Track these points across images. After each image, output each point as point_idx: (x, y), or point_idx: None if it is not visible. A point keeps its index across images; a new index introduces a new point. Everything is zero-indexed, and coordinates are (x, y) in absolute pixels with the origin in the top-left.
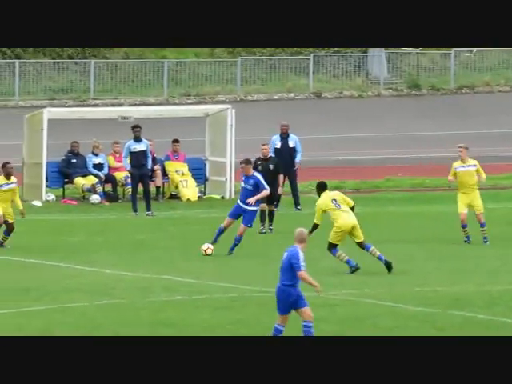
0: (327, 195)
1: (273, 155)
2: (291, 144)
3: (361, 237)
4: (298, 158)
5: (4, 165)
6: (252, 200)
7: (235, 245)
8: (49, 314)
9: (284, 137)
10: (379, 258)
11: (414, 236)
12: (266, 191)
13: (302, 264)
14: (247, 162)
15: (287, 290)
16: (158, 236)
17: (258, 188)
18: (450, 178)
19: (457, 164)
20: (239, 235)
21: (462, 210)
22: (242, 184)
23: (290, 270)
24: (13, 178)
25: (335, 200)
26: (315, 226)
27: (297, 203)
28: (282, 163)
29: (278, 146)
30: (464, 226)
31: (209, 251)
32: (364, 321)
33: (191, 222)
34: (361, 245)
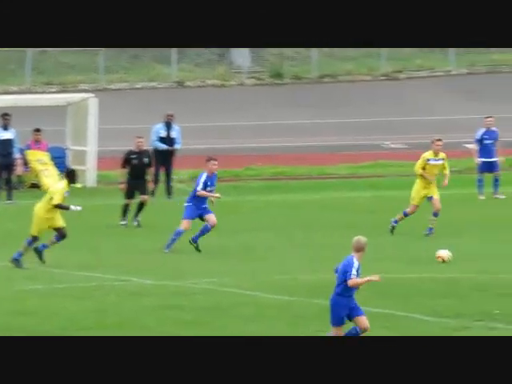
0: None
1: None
2: (173, 134)
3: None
4: (176, 146)
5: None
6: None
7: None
8: None
9: (169, 126)
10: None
11: (275, 224)
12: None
13: (354, 273)
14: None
15: (340, 300)
16: (21, 225)
17: None
18: (421, 170)
19: (429, 156)
20: (212, 226)
21: (418, 202)
22: (209, 188)
23: (344, 279)
24: None
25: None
26: None
27: (169, 192)
28: (162, 153)
29: (164, 135)
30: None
31: None
32: (226, 310)
33: None
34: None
